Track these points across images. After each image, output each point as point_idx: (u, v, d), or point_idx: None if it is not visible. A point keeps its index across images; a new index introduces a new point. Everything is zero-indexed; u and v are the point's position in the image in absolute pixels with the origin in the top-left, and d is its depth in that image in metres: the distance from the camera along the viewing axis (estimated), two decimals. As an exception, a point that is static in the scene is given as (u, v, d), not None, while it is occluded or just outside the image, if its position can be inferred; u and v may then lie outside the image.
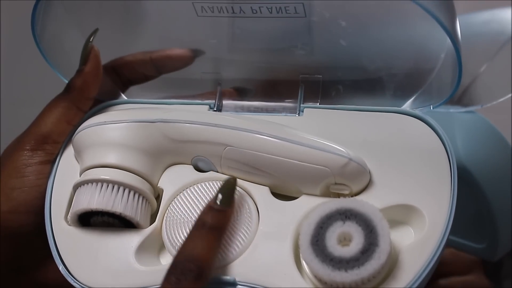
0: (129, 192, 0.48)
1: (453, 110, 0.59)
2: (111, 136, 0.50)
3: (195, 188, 0.50)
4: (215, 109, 0.54)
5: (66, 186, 0.51)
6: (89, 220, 0.49)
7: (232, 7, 0.48)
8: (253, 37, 0.53)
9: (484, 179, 0.57)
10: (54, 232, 0.49)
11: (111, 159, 0.49)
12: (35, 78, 0.77)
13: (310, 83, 0.53)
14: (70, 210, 0.49)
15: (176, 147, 0.50)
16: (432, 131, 0.50)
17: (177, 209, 0.49)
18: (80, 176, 0.50)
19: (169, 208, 0.49)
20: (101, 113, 0.53)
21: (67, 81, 0.53)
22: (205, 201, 0.49)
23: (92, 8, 0.53)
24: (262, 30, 0.52)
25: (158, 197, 0.51)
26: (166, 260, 0.49)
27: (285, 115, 0.53)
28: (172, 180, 0.51)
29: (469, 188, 0.58)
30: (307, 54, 0.53)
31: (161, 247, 0.49)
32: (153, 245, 0.49)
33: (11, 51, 0.84)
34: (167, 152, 0.50)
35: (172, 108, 0.54)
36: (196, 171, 0.51)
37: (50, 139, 0.52)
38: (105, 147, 0.49)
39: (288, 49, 0.53)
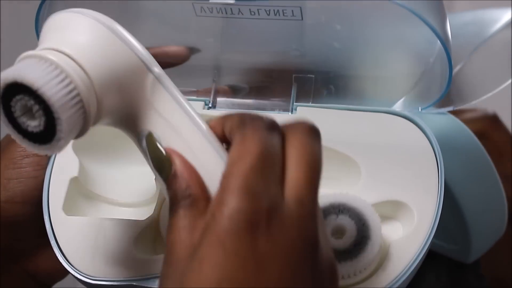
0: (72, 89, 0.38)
1: (425, 111, 0.60)
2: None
3: None
4: (210, 105, 0.55)
5: (64, 177, 0.52)
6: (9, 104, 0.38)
7: (231, 9, 0.50)
8: (249, 37, 0.55)
9: (454, 181, 0.57)
10: (52, 222, 0.50)
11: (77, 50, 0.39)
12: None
13: (302, 82, 0.55)
14: None
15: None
16: (420, 131, 0.52)
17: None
18: None
19: (166, 199, 0.51)
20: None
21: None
22: None
23: (92, 4, 0.54)
24: (258, 31, 0.53)
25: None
26: (162, 250, 0.50)
27: (278, 113, 0.54)
28: None
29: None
30: (301, 55, 0.55)
31: (158, 237, 0.51)
32: (150, 235, 0.50)
33: (11, 49, 0.84)
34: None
35: None
36: None
37: None
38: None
39: (283, 50, 0.55)
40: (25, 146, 0.39)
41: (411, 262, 0.46)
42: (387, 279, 0.45)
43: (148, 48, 0.56)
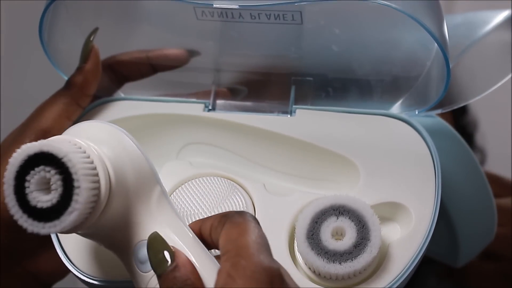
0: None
1: (413, 113, 0.60)
2: None
3: (192, 183, 0.52)
4: (210, 108, 0.56)
5: None
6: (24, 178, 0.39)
7: (232, 13, 0.51)
8: (249, 41, 0.56)
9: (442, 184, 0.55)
10: None
11: None
12: (31, 76, 0.77)
13: (301, 85, 0.56)
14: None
15: None
16: (417, 133, 0.52)
17: (174, 204, 0.51)
18: None
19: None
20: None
21: (66, 78, 0.55)
22: (202, 196, 0.51)
23: (92, 6, 0.55)
24: (258, 35, 0.54)
25: None
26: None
27: (277, 115, 0.55)
28: (169, 175, 0.53)
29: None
30: (300, 58, 0.55)
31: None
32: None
33: (11, 50, 0.84)
34: None
35: None
36: (193, 167, 0.53)
37: (50, 134, 0.53)
38: None
39: (282, 53, 0.55)
40: (27, 227, 0.39)
41: (410, 262, 0.46)
42: (388, 279, 0.46)
43: (148, 50, 0.57)
